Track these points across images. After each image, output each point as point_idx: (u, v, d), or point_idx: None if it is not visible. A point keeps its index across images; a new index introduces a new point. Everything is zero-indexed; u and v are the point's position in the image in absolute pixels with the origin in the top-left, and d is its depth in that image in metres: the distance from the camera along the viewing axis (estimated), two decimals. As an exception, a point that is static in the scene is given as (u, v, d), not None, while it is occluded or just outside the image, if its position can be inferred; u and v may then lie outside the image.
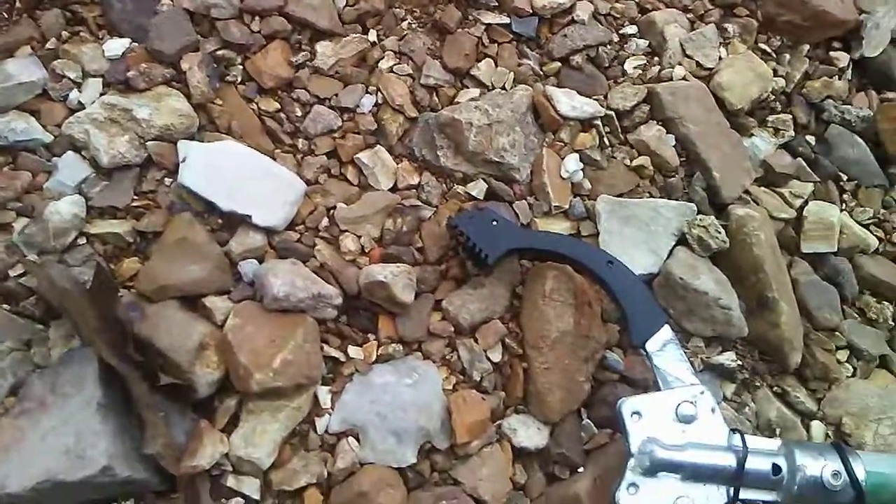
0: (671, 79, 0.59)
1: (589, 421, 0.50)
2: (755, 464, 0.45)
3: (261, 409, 0.46)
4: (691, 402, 0.46)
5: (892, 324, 0.59)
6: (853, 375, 0.56)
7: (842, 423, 0.54)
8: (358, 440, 0.48)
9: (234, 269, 0.48)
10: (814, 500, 0.46)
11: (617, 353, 0.53)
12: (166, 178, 0.49)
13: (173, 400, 0.45)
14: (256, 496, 0.45)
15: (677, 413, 0.46)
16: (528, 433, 0.49)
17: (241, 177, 0.49)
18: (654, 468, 0.45)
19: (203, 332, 0.45)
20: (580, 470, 0.49)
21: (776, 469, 0.45)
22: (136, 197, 0.49)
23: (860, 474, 0.45)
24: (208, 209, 0.49)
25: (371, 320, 0.50)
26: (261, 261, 0.48)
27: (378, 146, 0.53)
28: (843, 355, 0.56)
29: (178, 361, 0.44)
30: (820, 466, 0.45)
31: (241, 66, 0.53)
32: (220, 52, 0.52)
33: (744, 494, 0.45)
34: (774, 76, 0.61)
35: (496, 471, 0.48)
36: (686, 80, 0.59)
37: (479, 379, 0.50)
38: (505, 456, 0.49)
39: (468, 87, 0.56)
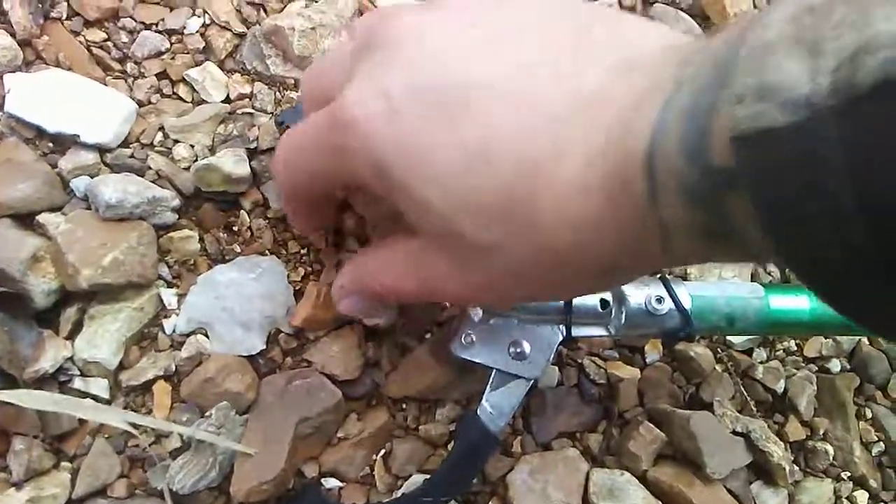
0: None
1: (439, 296, 0.52)
2: (583, 300, 0.47)
3: (102, 313, 0.47)
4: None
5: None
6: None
7: (687, 274, 0.56)
8: (207, 336, 0.49)
9: (68, 189, 0.49)
10: (645, 328, 0.48)
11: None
12: (-6, 113, 0.51)
13: (13, 313, 0.45)
14: (106, 395, 0.46)
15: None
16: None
17: (67, 100, 0.50)
18: (487, 316, 0.47)
19: (36, 244, 0.46)
20: (427, 336, 0.51)
21: (604, 303, 0.48)
22: (-36, 131, 0.50)
23: (684, 297, 0.48)
24: (38, 135, 0.50)
25: (213, 223, 0.51)
26: (94, 177, 0.50)
27: (207, 62, 0.55)
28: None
29: (10, 272, 0.45)
30: (644, 295, 0.47)
31: (65, 3, 0.54)
32: (41, -11, 0.53)
33: (578, 332, 0.47)
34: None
35: (347, 347, 0.49)
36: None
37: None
38: (356, 335, 0.50)
39: (294, 0, 0.58)
